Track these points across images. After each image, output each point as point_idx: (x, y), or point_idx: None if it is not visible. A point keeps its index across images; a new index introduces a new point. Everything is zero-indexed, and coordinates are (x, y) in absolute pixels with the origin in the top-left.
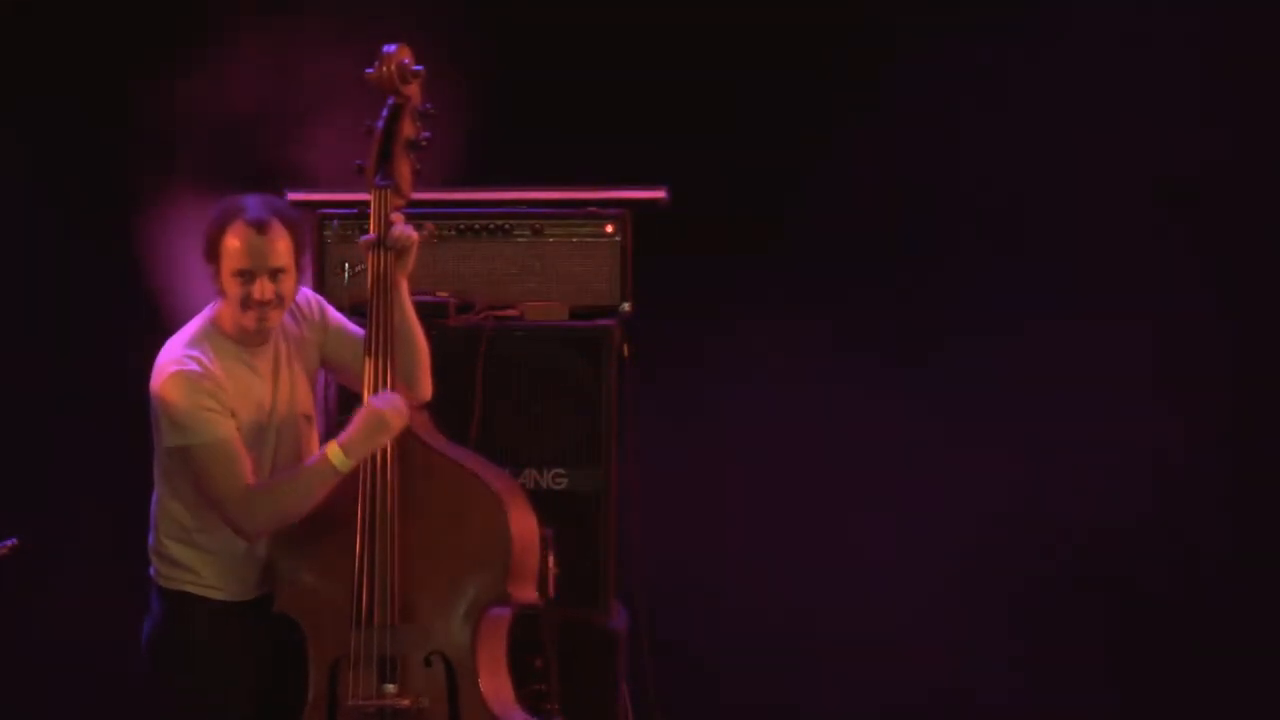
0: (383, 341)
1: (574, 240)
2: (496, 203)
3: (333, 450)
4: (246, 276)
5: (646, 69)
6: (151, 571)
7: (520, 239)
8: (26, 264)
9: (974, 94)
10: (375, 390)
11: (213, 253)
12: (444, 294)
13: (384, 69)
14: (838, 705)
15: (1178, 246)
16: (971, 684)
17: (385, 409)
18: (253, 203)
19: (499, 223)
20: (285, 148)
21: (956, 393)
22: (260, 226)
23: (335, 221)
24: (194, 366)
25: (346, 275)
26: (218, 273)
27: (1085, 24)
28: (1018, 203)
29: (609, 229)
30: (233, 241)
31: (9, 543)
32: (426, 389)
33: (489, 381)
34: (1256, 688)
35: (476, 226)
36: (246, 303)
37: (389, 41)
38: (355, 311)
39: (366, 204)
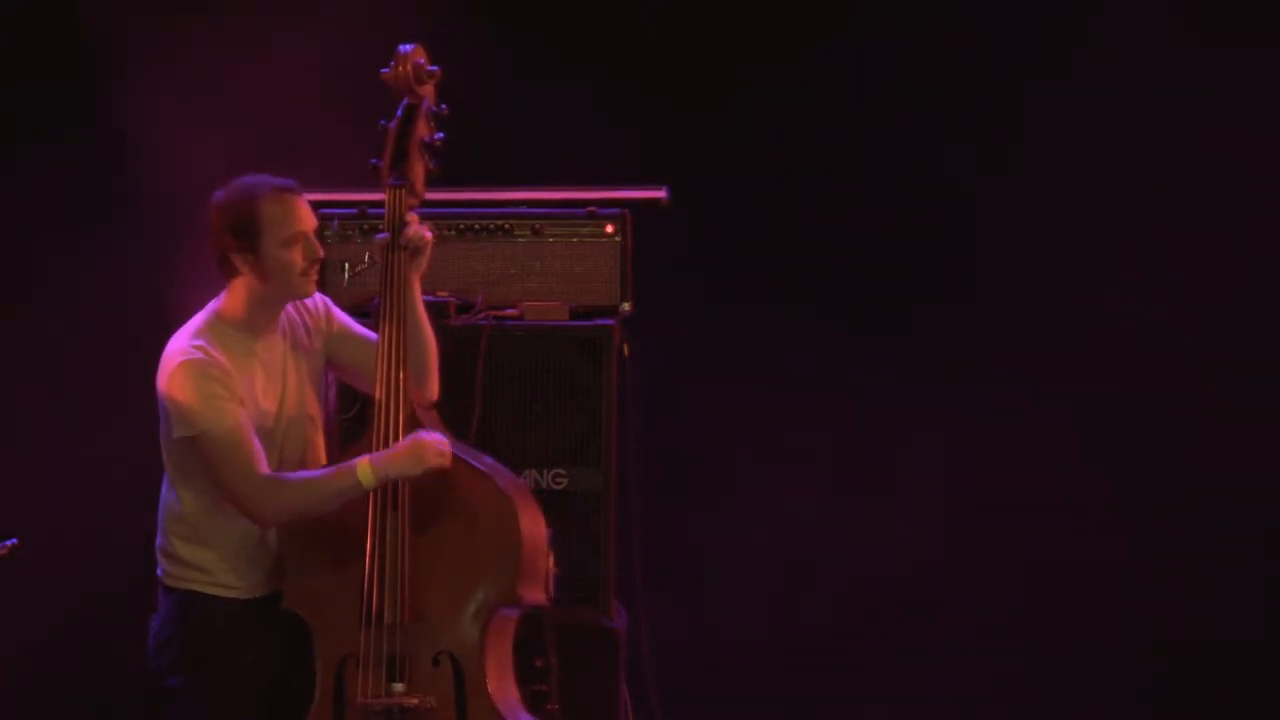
0: (394, 340)
1: (574, 240)
2: (496, 203)
3: (362, 467)
4: (302, 238)
5: (649, 69)
6: (159, 571)
7: (520, 239)
8: (30, 264)
9: (976, 95)
10: (386, 389)
11: (250, 230)
12: (444, 294)
13: (399, 69)
14: (837, 705)
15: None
16: (973, 687)
17: (429, 444)
18: (263, 176)
19: (499, 223)
20: (283, 147)
21: (956, 395)
22: (292, 189)
23: (335, 221)
24: (201, 355)
25: (346, 276)
26: (258, 249)
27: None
28: (1028, 199)
29: (609, 229)
30: (277, 209)
31: (9, 543)
32: (434, 388)
33: (489, 381)
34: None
35: (476, 226)
36: (310, 262)
37: (385, 39)
38: (357, 312)
39: (367, 204)
